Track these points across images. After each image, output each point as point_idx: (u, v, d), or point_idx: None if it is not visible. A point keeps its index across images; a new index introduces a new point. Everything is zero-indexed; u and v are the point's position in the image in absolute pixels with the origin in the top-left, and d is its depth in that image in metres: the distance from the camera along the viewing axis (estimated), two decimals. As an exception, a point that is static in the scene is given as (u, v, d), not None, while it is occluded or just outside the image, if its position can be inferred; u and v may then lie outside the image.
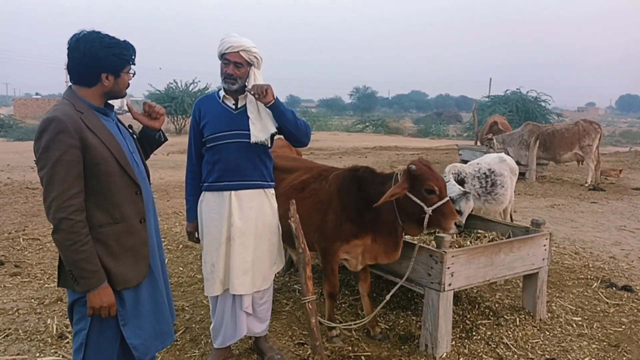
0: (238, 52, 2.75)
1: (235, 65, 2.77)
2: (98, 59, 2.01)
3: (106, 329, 2.10)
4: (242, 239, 2.86)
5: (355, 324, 3.37)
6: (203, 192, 2.95)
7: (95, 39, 2.01)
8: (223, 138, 2.82)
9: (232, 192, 2.85)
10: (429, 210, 2.91)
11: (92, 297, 1.99)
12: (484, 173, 4.53)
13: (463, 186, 4.41)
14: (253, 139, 2.80)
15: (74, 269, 1.96)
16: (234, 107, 2.87)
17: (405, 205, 2.99)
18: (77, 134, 1.95)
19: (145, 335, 2.16)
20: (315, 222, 3.29)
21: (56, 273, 4.68)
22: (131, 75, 2.16)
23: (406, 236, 3.34)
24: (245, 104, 2.85)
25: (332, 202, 3.27)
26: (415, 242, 3.32)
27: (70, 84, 2.13)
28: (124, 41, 2.10)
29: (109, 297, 2.02)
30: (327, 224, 3.24)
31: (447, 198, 2.96)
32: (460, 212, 3.94)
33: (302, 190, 3.45)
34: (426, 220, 2.93)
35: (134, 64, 2.15)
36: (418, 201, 2.93)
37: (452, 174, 4.41)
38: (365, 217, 3.18)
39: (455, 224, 2.90)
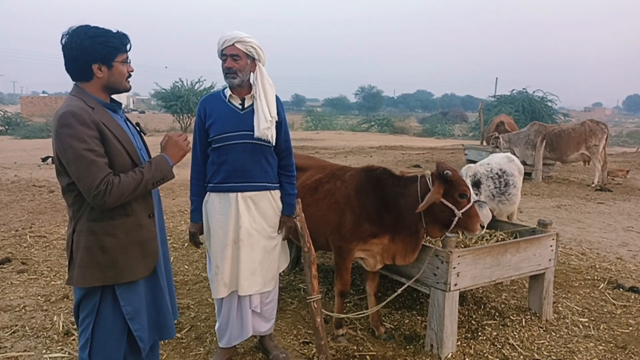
0: (233, 44, 2.72)
1: (232, 58, 2.73)
2: (84, 50, 2.02)
3: (112, 325, 2.11)
4: (250, 241, 2.85)
5: (360, 314, 3.36)
6: (208, 193, 2.92)
7: (81, 31, 2.03)
8: (229, 139, 2.78)
9: (239, 193, 2.83)
10: (459, 213, 2.97)
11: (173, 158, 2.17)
12: (497, 173, 4.48)
13: (479, 188, 4.34)
14: (256, 133, 2.75)
15: (157, 182, 2.10)
16: (240, 107, 2.83)
17: (434, 208, 3.01)
18: (95, 127, 1.98)
19: (145, 325, 2.19)
20: (331, 222, 3.29)
21: (62, 271, 4.73)
22: (128, 65, 2.15)
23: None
24: (252, 104, 2.82)
25: (349, 203, 3.26)
26: (429, 244, 3.31)
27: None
28: (116, 32, 2.10)
29: (171, 150, 2.16)
30: (345, 224, 3.23)
31: (473, 201, 3.06)
32: None
33: (316, 190, 3.44)
34: (454, 223, 2.99)
35: (127, 52, 2.14)
36: (450, 205, 2.98)
37: (469, 176, 4.33)
38: (385, 218, 3.19)
39: (480, 225, 3.03)
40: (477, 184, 4.34)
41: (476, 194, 4.22)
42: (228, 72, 2.75)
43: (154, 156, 2.17)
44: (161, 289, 2.26)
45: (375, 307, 3.38)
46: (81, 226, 2.06)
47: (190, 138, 2.34)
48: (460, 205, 2.99)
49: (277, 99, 2.87)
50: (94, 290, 2.09)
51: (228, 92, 2.85)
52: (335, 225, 3.27)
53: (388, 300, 3.28)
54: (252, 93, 2.82)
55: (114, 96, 2.20)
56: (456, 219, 2.98)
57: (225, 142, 2.80)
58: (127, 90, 2.22)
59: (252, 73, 2.81)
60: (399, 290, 3.23)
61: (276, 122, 2.83)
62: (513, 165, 4.61)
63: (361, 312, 3.42)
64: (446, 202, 2.99)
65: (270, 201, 2.93)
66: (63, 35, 2.04)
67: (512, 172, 4.53)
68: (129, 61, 2.16)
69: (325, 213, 3.32)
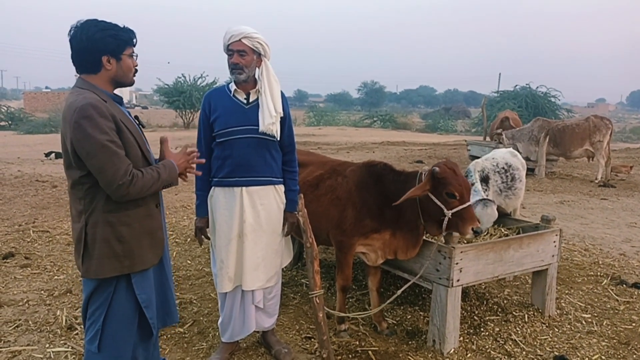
0: (240, 40, 2.72)
1: (239, 54, 2.73)
2: (95, 42, 2.04)
3: (124, 314, 2.16)
4: (254, 235, 2.85)
5: (363, 314, 3.36)
6: (213, 187, 2.92)
7: (91, 24, 2.06)
8: (234, 133, 2.78)
9: (243, 188, 2.83)
10: (448, 213, 2.91)
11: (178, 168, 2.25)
12: (503, 168, 4.45)
13: (488, 183, 4.28)
14: (261, 128, 2.76)
15: (165, 186, 2.19)
16: (245, 101, 2.83)
17: (427, 206, 3.00)
18: (112, 118, 2.02)
19: (155, 312, 2.26)
20: (333, 218, 3.29)
21: (65, 265, 4.73)
22: (135, 59, 2.18)
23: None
24: (257, 99, 2.82)
25: (351, 198, 3.26)
26: (431, 240, 3.30)
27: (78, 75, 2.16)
28: (124, 26, 2.14)
29: (178, 160, 2.25)
30: (346, 219, 3.23)
31: (469, 203, 2.95)
32: None
33: (317, 186, 3.44)
34: (445, 222, 2.93)
35: (134, 46, 2.17)
36: (439, 203, 2.94)
37: (478, 171, 4.24)
38: (386, 213, 3.17)
39: (473, 229, 2.88)
40: (485, 180, 4.29)
41: (485, 190, 4.16)
42: (234, 68, 2.75)
43: (164, 161, 2.24)
44: (167, 276, 2.34)
45: (379, 307, 3.37)
46: (95, 218, 2.08)
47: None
48: (450, 205, 2.90)
49: (282, 94, 2.87)
50: (108, 282, 2.12)
51: (233, 86, 2.85)
52: (336, 220, 3.27)
53: (391, 299, 3.26)
54: (257, 88, 2.82)
55: (115, 91, 2.23)
56: (446, 219, 2.91)
57: (230, 136, 2.80)
58: (132, 84, 2.26)
59: (257, 68, 2.81)
60: (403, 288, 3.22)
61: (280, 117, 2.83)
62: (517, 160, 4.59)
63: (364, 312, 3.41)
64: (435, 200, 2.94)
65: (274, 196, 2.93)
66: (72, 28, 2.06)
67: (517, 166, 4.51)
68: (135, 55, 2.19)
69: (327, 208, 3.32)
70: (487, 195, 4.11)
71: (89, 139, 1.95)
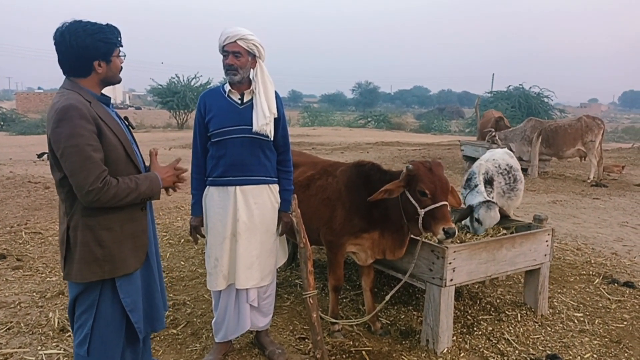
0: (235, 41, 2.74)
1: (234, 55, 2.75)
2: (86, 48, 2.02)
3: (112, 319, 2.14)
4: (248, 234, 2.86)
5: (357, 322, 3.37)
6: (207, 187, 2.94)
7: (79, 28, 2.03)
8: (228, 133, 2.80)
9: (237, 187, 2.85)
10: (421, 212, 2.90)
11: (164, 182, 2.25)
12: (505, 169, 4.43)
13: (492, 185, 4.26)
14: (254, 128, 2.77)
15: (145, 199, 2.16)
16: (239, 101, 2.85)
17: (404, 203, 3.01)
18: (93, 121, 1.99)
19: (142, 316, 2.23)
20: (323, 218, 3.31)
21: (57, 267, 4.71)
22: (122, 58, 2.18)
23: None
24: (251, 99, 2.83)
25: (340, 198, 3.28)
26: (418, 237, 3.31)
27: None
28: (107, 25, 2.12)
29: (164, 174, 2.26)
30: (336, 219, 3.25)
31: (443, 203, 2.88)
32: (478, 221, 3.85)
33: (308, 187, 3.47)
34: (420, 221, 2.92)
35: (122, 46, 2.17)
36: (413, 201, 2.94)
37: (482, 173, 4.20)
38: (374, 213, 3.18)
39: (445, 230, 2.81)
40: (490, 182, 4.26)
41: (489, 192, 4.15)
42: (229, 69, 2.78)
43: (147, 173, 2.21)
44: (155, 281, 2.30)
45: (372, 313, 3.38)
46: (76, 222, 2.06)
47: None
48: (423, 203, 2.89)
49: (277, 95, 2.89)
50: (93, 285, 2.10)
51: (227, 87, 2.87)
52: (326, 220, 3.29)
53: (384, 302, 3.27)
54: (251, 88, 2.84)
55: (109, 91, 2.23)
56: (420, 217, 2.89)
57: (224, 136, 2.81)
58: (119, 82, 2.25)
59: (252, 69, 2.83)
60: (393, 290, 3.23)
61: (275, 117, 2.84)
62: (514, 161, 4.61)
63: (357, 315, 3.40)
64: (410, 198, 2.94)
65: (268, 195, 2.94)
66: (58, 31, 2.03)
67: (517, 167, 4.52)
68: (123, 55, 2.18)
69: (318, 208, 3.34)
70: (492, 197, 4.09)
71: (65, 140, 1.93)
